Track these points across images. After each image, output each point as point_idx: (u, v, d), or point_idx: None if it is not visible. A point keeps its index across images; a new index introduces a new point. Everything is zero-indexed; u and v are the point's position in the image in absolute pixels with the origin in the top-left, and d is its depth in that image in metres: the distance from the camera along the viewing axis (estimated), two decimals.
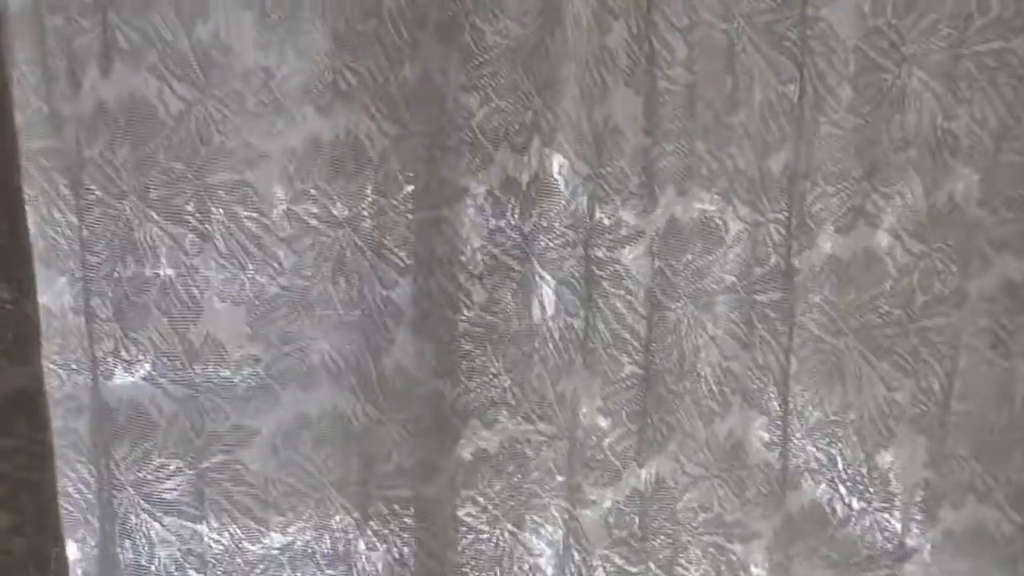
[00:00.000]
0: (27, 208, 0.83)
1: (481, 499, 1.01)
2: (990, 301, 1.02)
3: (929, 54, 0.96)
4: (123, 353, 0.91)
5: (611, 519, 1.04)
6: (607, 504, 1.04)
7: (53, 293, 0.92)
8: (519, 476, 1.02)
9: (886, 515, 1.07)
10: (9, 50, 0.82)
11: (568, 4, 0.91)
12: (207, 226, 0.89)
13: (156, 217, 0.88)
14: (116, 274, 0.90)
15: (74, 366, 0.93)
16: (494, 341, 0.96)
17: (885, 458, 1.06)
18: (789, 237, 0.98)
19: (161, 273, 0.90)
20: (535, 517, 1.04)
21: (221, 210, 0.90)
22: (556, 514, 1.04)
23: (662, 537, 1.06)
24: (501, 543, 1.04)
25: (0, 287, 0.79)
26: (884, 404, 1.04)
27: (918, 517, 1.08)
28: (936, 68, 0.96)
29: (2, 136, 0.78)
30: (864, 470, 1.06)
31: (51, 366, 0.90)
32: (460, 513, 1.01)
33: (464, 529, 1.01)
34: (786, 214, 0.98)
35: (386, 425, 0.97)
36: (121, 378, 0.92)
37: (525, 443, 1.02)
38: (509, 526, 1.04)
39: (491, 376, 0.98)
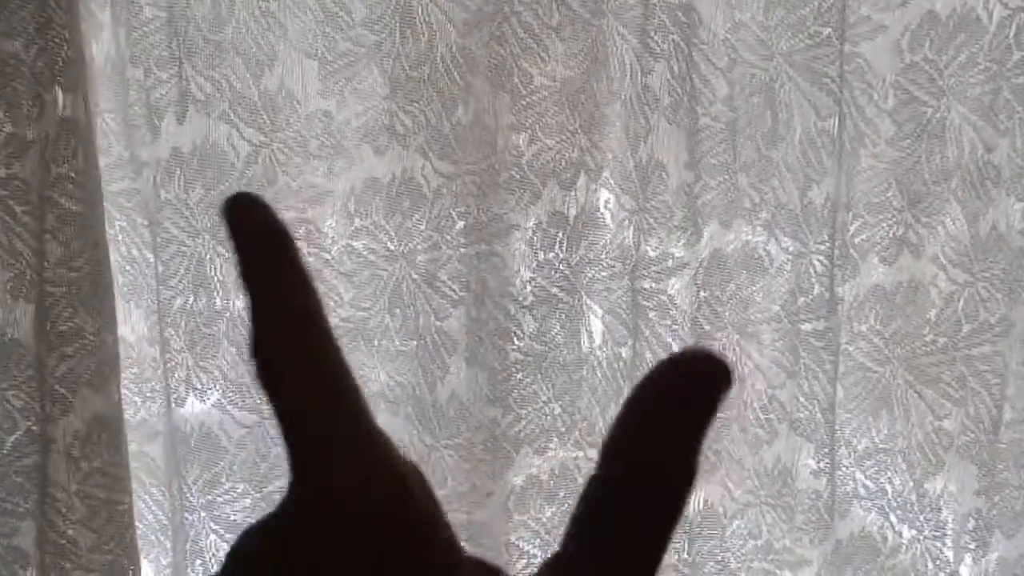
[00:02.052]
0: (109, 246, 0.90)
1: (533, 524, 1.04)
2: None
3: (968, 87, 0.97)
4: (195, 381, 0.96)
5: None
6: None
7: (131, 325, 0.98)
8: (570, 502, 1.05)
9: (937, 543, 1.07)
10: (94, 100, 0.89)
11: (612, 47, 0.95)
12: None
13: (226, 254, 0.93)
14: (189, 307, 0.95)
15: (149, 394, 0.99)
16: (544, 369, 0.99)
17: (935, 486, 1.06)
18: (832, 267, 1.00)
19: (231, 306, 0.95)
20: None
21: None
22: None
23: (711, 563, 1.07)
24: None
25: (84, 320, 0.85)
26: (932, 432, 1.04)
27: (970, 546, 1.07)
28: (975, 101, 0.97)
29: (87, 180, 0.85)
30: (914, 498, 1.06)
31: (127, 393, 0.95)
32: (512, 537, 1.03)
33: (517, 553, 1.04)
34: (828, 244, 0.99)
35: (440, 451, 1.01)
36: (192, 405, 0.98)
37: (575, 469, 1.05)
38: None
39: (542, 404, 1.01)
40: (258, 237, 0.26)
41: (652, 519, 0.24)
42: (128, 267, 0.95)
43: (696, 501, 1.05)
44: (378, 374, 0.99)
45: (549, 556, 0.25)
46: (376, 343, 0.99)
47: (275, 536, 0.25)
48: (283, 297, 0.26)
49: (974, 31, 0.96)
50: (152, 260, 0.94)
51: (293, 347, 0.26)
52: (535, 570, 0.25)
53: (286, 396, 0.25)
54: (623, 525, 0.24)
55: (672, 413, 0.24)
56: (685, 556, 1.06)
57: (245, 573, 0.25)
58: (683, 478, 0.24)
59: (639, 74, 0.95)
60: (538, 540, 1.04)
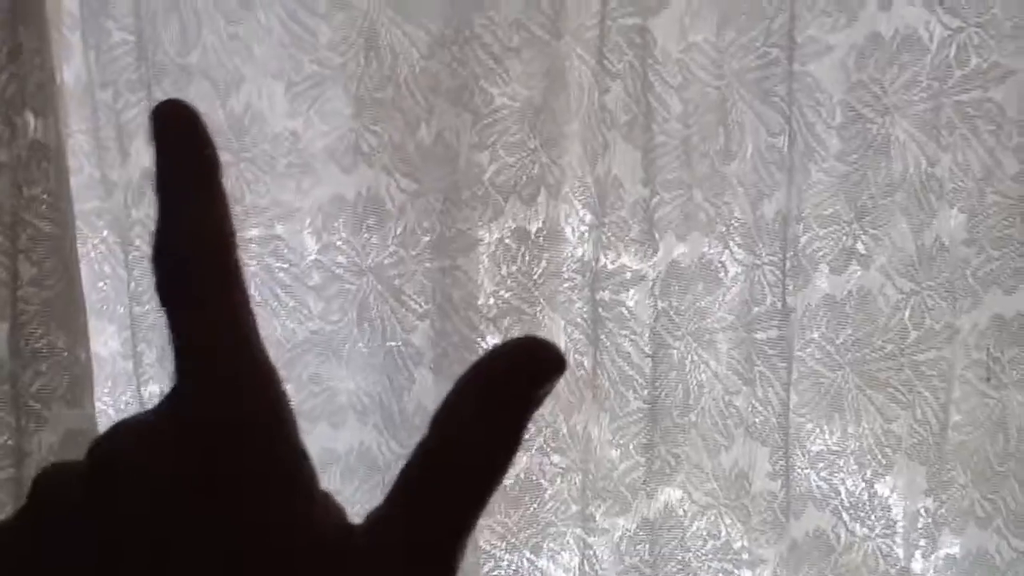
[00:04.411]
0: (81, 264, 0.92)
1: (499, 528, 1.07)
2: (981, 335, 1.06)
3: (911, 104, 1.01)
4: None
5: (623, 546, 1.10)
6: (619, 532, 1.10)
7: (104, 340, 1.00)
8: (535, 506, 1.08)
9: (888, 541, 1.11)
10: (65, 122, 0.91)
11: (570, 67, 0.98)
12: None
13: None
14: (160, 322, 0.98)
15: (123, 407, 1.01)
16: None
17: (886, 486, 1.11)
18: (784, 277, 1.04)
19: None
20: (551, 545, 1.10)
21: (255, 262, 0.98)
22: (571, 542, 1.10)
23: (672, 564, 1.11)
24: (520, 570, 1.10)
25: (57, 336, 0.87)
26: (882, 434, 1.08)
27: (920, 543, 1.11)
28: (918, 117, 1.01)
29: (59, 201, 0.87)
30: (865, 498, 1.11)
31: (102, 407, 0.98)
32: (480, 541, 1.07)
33: (484, 556, 1.07)
34: (780, 256, 1.03)
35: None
36: None
37: (540, 475, 1.08)
38: (527, 553, 1.09)
39: None
40: (180, 147, 0.26)
41: (462, 488, 0.25)
42: (101, 284, 0.98)
43: (657, 503, 1.09)
44: (347, 385, 1.02)
45: (371, 511, 0.26)
46: (345, 355, 1.02)
47: (143, 433, 0.25)
48: (192, 209, 0.26)
49: (916, 51, 1.00)
50: (125, 277, 0.97)
51: (194, 259, 0.26)
52: (361, 522, 0.26)
53: (180, 308, 0.25)
54: (435, 490, 0.25)
55: (489, 392, 0.26)
56: (647, 557, 1.10)
57: (106, 466, 0.24)
58: (496, 453, 0.25)
59: (596, 93, 0.98)
60: (504, 544, 1.07)
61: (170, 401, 0.25)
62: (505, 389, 0.26)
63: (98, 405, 0.95)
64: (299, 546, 0.24)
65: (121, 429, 0.25)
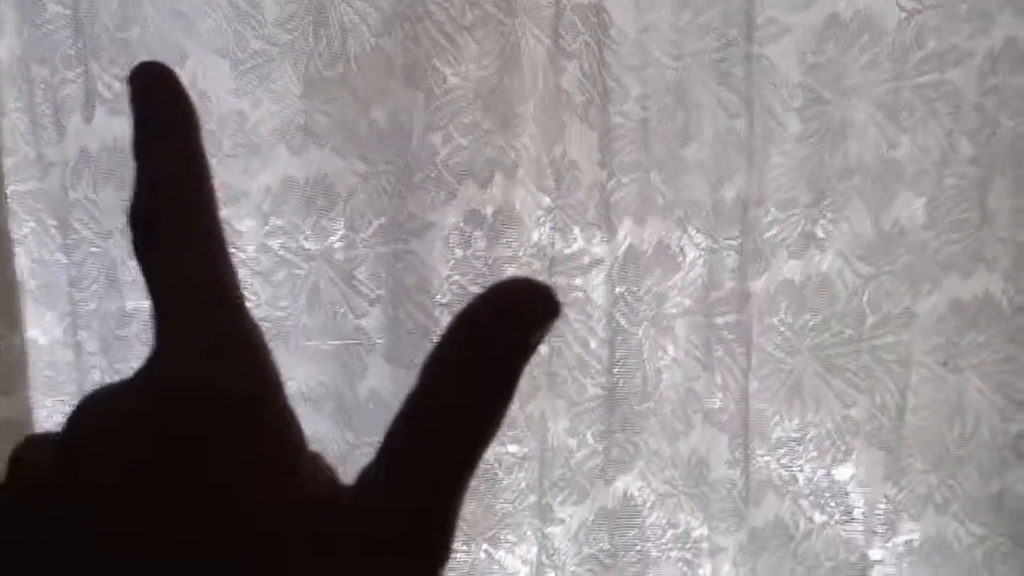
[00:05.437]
0: (17, 248, 0.89)
1: None
2: (939, 320, 1.06)
3: (871, 86, 1.00)
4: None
5: (581, 536, 1.08)
6: (577, 522, 1.08)
7: (43, 328, 0.97)
8: (491, 497, 1.06)
9: (848, 528, 1.11)
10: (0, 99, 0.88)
11: (524, 46, 0.96)
12: None
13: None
14: (102, 309, 0.94)
15: (63, 397, 0.98)
16: None
17: (845, 473, 1.10)
18: (744, 262, 1.03)
19: (143, 308, 0.94)
20: (509, 536, 1.08)
21: None
22: (529, 533, 1.08)
23: (632, 553, 1.09)
24: (478, 562, 1.07)
25: None
26: (841, 420, 1.07)
27: (880, 529, 1.11)
28: (878, 100, 1.00)
29: None
30: (824, 484, 1.10)
31: (40, 396, 0.94)
32: None
33: None
34: (740, 240, 1.02)
35: (363, 448, 1.01)
36: None
37: (496, 464, 1.06)
38: (485, 545, 1.07)
39: None
40: (158, 107, 0.25)
41: (455, 441, 0.24)
42: (40, 270, 0.94)
43: (616, 492, 1.07)
44: (298, 373, 1.00)
45: (362, 469, 0.25)
46: (295, 342, 0.99)
47: (121, 399, 0.24)
48: (170, 168, 0.25)
49: (876, 32, 0.99)
50: (64, 262, 0.93)
51: (171, 220, 0.25)
52: (352, 482, 0.25)
53: (158, 268, 0.24)
54: (426, 444, 0.24)
55: (480, 340, 0.24)
56: (606, 547, 1.08)
57: (81, 436, 0.23)
58: (489, 403, 0.24)
59: (552, 74, 0.96)
60: (461, 536, 1.05)
61: (150, 365, 0.24)
62: (497, 336, 0.24)
63: (36, 395, 0.92)
64: (287, 510, 0.23)
65: (99, 396, 0.24)
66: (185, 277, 0.24)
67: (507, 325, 0.24)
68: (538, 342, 0.24)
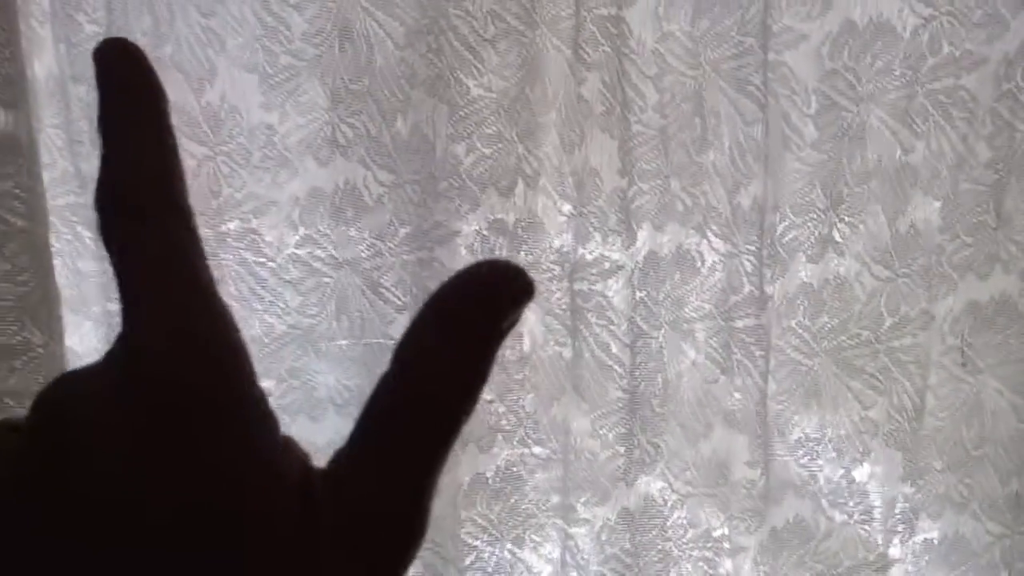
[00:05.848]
0: (55, 259, 0.91)
1: (480, 520, 1.07)
2: (955, 321, 1.07)
3: (885, 92, 1.02)
4: None
5: (604, 536, 1.10)
6: (600, 523, 1.10)
7: (79, 336, 0.99)
8: (516, 497, 1.08)
9: (867, 527, 1.12)
10: (37, 116, 0.90)
11: (545, 58, 0.98)
12: (219, 271, 0.96)
13: None
14: None
15: None
16: None
17: (863, 473, 1.12)
18: (761, 266, 1.04)
19: None
20: (533, 536, 1.10)
21: (231, 256, 0.97)
22: (553, 533, 1.10)
23: (653, 553, 1.11)
24: (502, 561, 1.10)
25: (32, 333, 0.86)
26: (859, 421, 1.09)
27: (898, 528, 1.12)
28: (892, 105, 1.02)
29: (32, 196, 0.86)
30: (844, 484, 1.11)
31: None
32: (461, 533, 1.07)
33: (466, 549, 1.07)
34: (757, 245, 1.04)
35: None
36: None
37: (521, 466, 1.08)
38: (509, 545, 1.10)
39: (486, 403, 1.04)
40: (123, 83, 0.25)
41: (428, 424, 0.24)
42: (75, 279, 0.97)
43: (638, 493, 1.09)
44: (326, 378, 1.02)
45: (335, 452, 0.25)
46: (323, 348, 1.01)
47: (88, 383, 0.23)
48: (136, 146, 0.24)
49: (890, 39, 1.01)
50: (100, 272, 0.96)
51: (137, 201, 0.24)
52: (325, 466, 0.25)
53: (124, 249, 0.24)
54: (399, 427, 0.24)
55: (453, 322, 0.24)
56: (628, 546, 1.10)
57: (49, 420, 0.23)
58: (462, 386, 0.24)
59: (572, 84, 0.98)
60: (486, 536, 1.07)
61: (117, 347, 0.24)
62: (471, 318, 0.24)
63: None
64: (259, 495, 0.23)
65: (65, 381, 0.24)
66: (153, 259, 0.24)
67: (479, 309, 0.24)
68: (512, 324, 0.24)
